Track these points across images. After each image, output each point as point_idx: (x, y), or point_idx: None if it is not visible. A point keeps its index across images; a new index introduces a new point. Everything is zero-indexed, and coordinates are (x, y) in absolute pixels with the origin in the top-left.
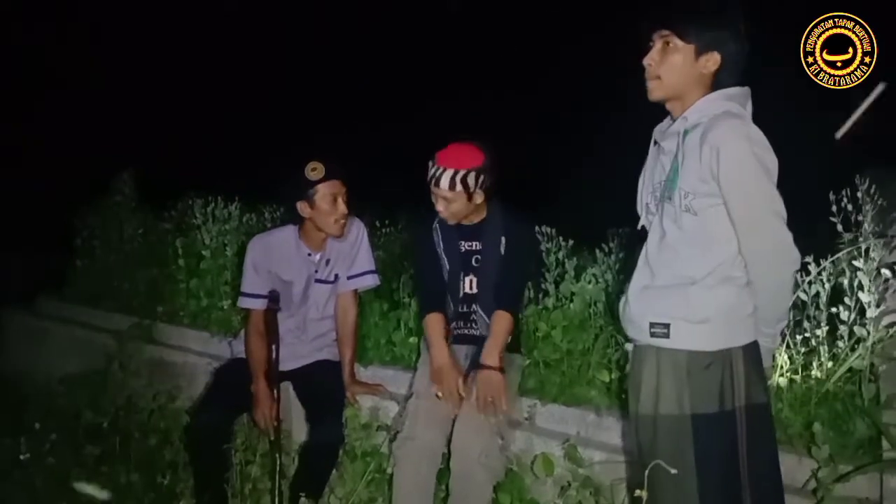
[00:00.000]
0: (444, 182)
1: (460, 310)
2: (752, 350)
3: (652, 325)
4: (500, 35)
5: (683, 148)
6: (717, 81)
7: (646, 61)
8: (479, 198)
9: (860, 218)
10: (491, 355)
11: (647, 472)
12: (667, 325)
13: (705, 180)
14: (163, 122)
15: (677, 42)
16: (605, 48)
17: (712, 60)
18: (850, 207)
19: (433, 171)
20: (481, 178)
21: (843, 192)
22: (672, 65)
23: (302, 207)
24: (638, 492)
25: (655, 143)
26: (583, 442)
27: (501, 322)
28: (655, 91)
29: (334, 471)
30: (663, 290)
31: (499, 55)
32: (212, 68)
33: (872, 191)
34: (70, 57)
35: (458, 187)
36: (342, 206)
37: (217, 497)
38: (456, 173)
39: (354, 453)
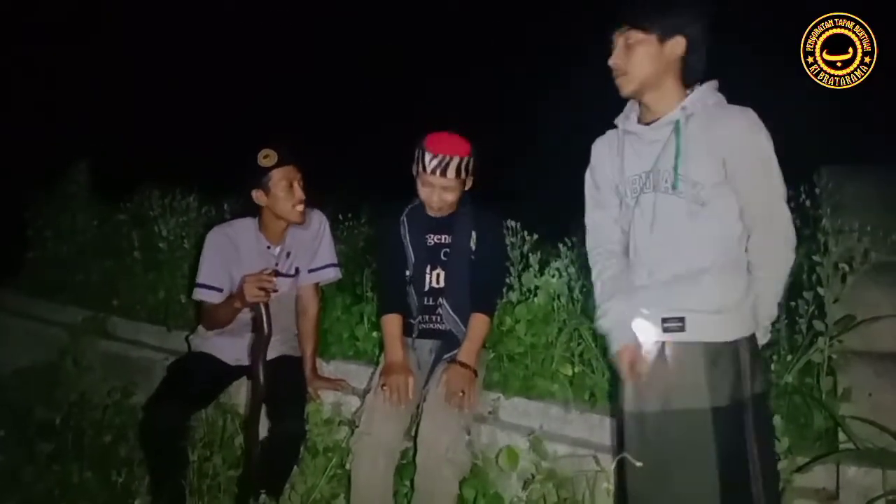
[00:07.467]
0: (452, 171)
1: (425, 303)
2: (753, 341)
3: (665, 319)
4: (462, 28)
5: (682, 138)
6: (686, 66)
7: (611, 62)
8: (468, 184)
9: (819, 213)
10: (468, 356)
11: (617, 463)
12: (681, 319)
13: (716, 170)
14: (119, 110)
15: (638, 35)
16: (568, 42)
17: (678, 45)
18: (808, 203)
19: (437, 160)
20: (473, 164)
21: (802, 188)
22: (637, 58)
23: (258, 196)
24: (606, 484)
25: (625, 133)
26: (546, 435)
27: (480, 325)
28: (626, 86)
29: (295, 467)
30: (670, 285)
31: (460, 48)
32: (170, 58)
33: (830, 187)
34: (24, 44)
35: (463, 174)
36: (299, 191)
37: (174, 495)
38: (461, 161)
39: (316, 449)
